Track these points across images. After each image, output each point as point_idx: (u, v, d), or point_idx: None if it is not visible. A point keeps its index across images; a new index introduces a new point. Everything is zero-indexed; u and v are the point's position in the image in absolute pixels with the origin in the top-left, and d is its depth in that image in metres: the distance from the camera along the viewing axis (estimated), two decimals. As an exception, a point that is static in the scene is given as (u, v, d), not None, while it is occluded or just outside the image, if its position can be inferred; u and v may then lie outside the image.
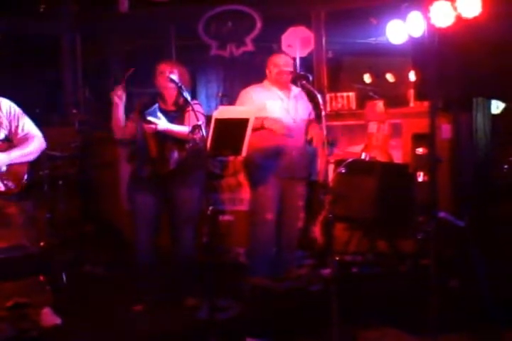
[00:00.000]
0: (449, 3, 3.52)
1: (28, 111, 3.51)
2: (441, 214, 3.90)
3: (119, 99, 3.68)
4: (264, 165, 4.19)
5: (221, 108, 3.34)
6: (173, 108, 3.85)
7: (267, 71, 4.24)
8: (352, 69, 6.87)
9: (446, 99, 4.33)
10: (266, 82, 4.27)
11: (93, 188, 5.08)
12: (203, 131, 3.37)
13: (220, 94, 5.57)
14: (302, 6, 5.25)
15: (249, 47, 5.38)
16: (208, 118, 3.44)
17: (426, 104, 4.52)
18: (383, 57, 6.78)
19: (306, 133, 4.30)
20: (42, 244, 4.44)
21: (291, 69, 4.17)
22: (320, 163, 4.78)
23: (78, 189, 5.01)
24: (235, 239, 5.01)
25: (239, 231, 4.93)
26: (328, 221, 4.36)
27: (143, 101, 3.86)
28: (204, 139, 3.34)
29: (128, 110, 3.79)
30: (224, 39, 5.42)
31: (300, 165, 4.29)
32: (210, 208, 3.35)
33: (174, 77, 3.70)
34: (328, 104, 5.17)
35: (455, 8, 3.52)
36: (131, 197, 3.90)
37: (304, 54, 5.25)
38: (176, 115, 3.80)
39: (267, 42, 5.46)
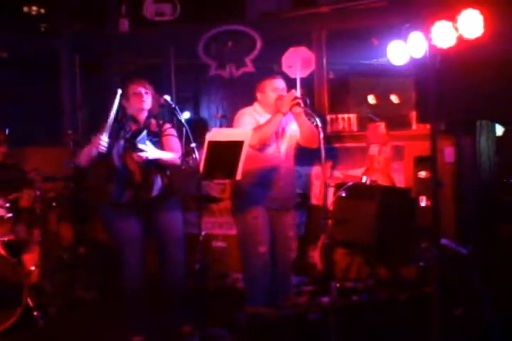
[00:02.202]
0: (450, 24, 3.43)
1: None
2: (443, 241, 3.77)
3: (101, 150, 3.46)
4: (251, 193, 4.00)
5: (214, 130, 3.23)
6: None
7: (259, 95, 4.03)
8: (355, 91, 6.78)
9: (448, 122, 4.24)
10: (257, 107, 4.06)
11: (87, 210, 4.96)
12: (197, 153, 3.28)
13: (218, 115, 5.47)
14: (303, 26, 5.18)
15: (250, 67, 5.31)
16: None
17: (429, 126, 4.42)
18: (387, 78, 6.70)
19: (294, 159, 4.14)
20: (33, 268, 4.37)
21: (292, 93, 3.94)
22: (319, 187, 4.66)
23: (72, 211, 4.89)
24: (233, 264, 4.86)
25: (237, 255, 4.76)
26: (328, 246, 4.32)
27: (113, 125, 3.59)
28: (197, 162, 3.25)
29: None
30: (224, 59, 5.36)
31: (287, 195, 4.11)
32: (203, 233, 3.24)
33: (168, 97, 3.59)
34: (328, 126, 5.08)
35: (456, 29, 3.43)
36: (110, 224, 3.74)
37: (305, 75, 5.16)
38: (154, 140, 3.65)
39: (267, 63, 5.36)
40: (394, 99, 7.71)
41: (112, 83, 5.93)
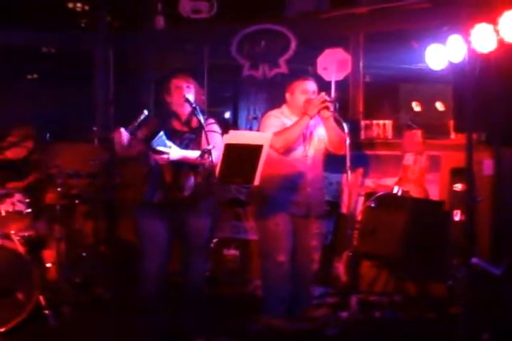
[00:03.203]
0: (491, 27, 3.20)
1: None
2: (474, 261, 3.52)
3: (124, 143, 3.41)
4: (274, 198, 3.84)
5: (232, 132, 3.07)
6: (186, 129, 3.60)
7: (288, 96, 3.89)
8: (396, 96, 6.52)
9: (488, 132, 3.99)
10: (285, 109, 3.92)
11: (111, 209, 4.89)
12: (213, 156, 3.14)
13: (250, 117, 5.32)
14: (340, 26, 4.98)
15: (283, 68, 5.13)
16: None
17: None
18: (432, 84, 6.43)
19: (323, 165, 3.96)
20: (49, 265, 4.31)
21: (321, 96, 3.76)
22: (346, 195, 4.47)
23: (98, 208, 4.83)
24: (255, 270, 4.72)
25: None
26: (353, 258, 4.14)
27: (152, 121, 3.62)
28: (213, 165, 3.11)
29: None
30: (257, 59, 5.20)
31: (315, 202, 3.93)
32: (215, 241, 3.10)
33: (190, 96, 3.47)
34: (362, 132, 4.88)
35: (497, 32, 3.19)
36: (139, 224, 3.67)
37: (340, 77, 4.96)
38: (191, 137, 3.56)
39: (301, 64, 5.18)
40: (439, 106, 7.44)
41: (145, 80, 5.87)
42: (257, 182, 3.17)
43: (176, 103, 3.59)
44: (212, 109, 7.35)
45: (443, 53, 3.86)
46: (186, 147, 3.51)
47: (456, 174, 4.35)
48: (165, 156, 3.37)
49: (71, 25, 6.40)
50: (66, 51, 6.36)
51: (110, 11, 6.07)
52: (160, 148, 3.36)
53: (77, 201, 4.63)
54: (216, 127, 3.61)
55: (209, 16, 5.45)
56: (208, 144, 3.17)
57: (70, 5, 7.20)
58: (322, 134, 3.89)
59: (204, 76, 5.42)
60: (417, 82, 6.38)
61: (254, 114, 5.61)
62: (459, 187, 4.24)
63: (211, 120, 3.64)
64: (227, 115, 8.47)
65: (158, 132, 3.37)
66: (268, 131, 3.76)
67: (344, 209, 4.76)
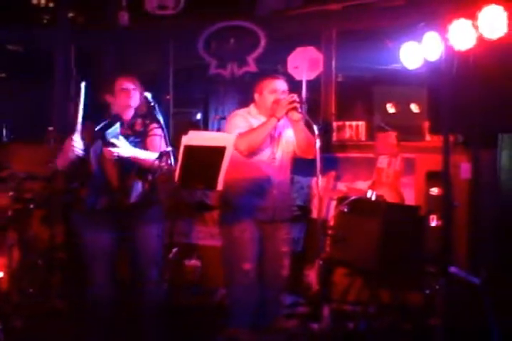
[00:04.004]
0: (469, 23, 3.03)
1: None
2: (452, 270, 3.36)
3: (76, 152, 3.15)
4: (239, 203, 3.63)
5: (191, 133, 2.84)
6: (130, 132, 3.34)
7: (256, 96, 3.67)
8: (369, 97, 6.38)
9: (465, 134, 3.83)
10: (253, 109, 3.70)
11: (66, 213, 4.62)
12: (172, 159, 2.90)
13: (217, 117, 5.10)
14: (311, 24, 4.80)
15: (252, 67, 4.93)
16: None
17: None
18: (407, 85, 6.30)
19: (291, 168, 3.77)
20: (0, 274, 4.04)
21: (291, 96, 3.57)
22: (317, 199, 4.29)
23: (53, 213, 4.55)
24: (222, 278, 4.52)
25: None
26: (325, 265, 3.95)
27: (92, 125, 3.28)
28: (172, 169, 2.87)
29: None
30: (225, 57, 5.00)
31: (282, 206, 3.72)
32: (174, 250, 2.86)
33: (149, 95, 3.23)
34: (334, 134, 4.72)
35: (476, 28, 3.03)
36: (81, 233, 3.39)
37: (312, 77, 4.78)
38: (136, 141, 3.30)
39: (271, 63, 4.99)
40: (414, 108, 7.34)
41: (108, 78, 5.61)
42: (219, 187, 2.96)
43: (120, 106, 3.35)
44: (182, 110, 7.18)
45: (418, 51, 3.70)
46: None
47: (432, 177, 4.18)
48: (115, 150, 3.11)
49: (34, 21, 6.18)
50: (28, 48, 6.11)
51: (74, 7, 5.86)
52: (114, 141, 3.10)
53: (31, 205, 4.36)
54: (160, 131, 3.32)
55: (175, 12, 5.25)
56: (166, 145, 2.93)
57: (34, 1, 7.01)
58: (291, 136, 3.70)
59: (169, 74, 5.21)
60: (391, 82, 6.26)
61: (223, 114, 5.38)
62: (435, 191, 4.08)
63: (154, 124, 3.37)
64: (199, 116, 8.25)
65: (101, 136, 3.11)
66: (233, 131, 3.55)
67: (315, 215, 4.57)
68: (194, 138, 2.84)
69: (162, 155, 2.92)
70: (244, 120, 3.63)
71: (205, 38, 4.99)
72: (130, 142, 3.29)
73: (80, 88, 3.13)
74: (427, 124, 4.42)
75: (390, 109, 7.35)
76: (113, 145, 3.10)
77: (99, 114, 3.43)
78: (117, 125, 3.17)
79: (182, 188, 2.93)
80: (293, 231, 3.96)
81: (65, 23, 5.62)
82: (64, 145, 3.20)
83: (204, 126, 7.39)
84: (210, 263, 4.75)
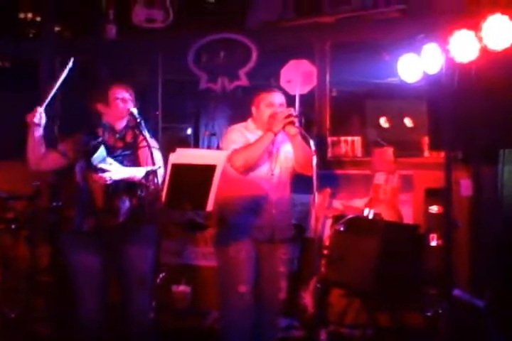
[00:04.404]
0: (472, 33, 2.89)
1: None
2: (456, 292, 3.20)
3: (37, 122, 3.09)
4: (235, 221, 3.48)
5: (179, 151, 2.67)
6: (120, 144, 3.20)
7: (254, 109, 3.55)
8: (364, 112, 6.25)
9: (466, 150, 3.70)
10: (250, 123, 3.57)
11: (54, 234, 4.42)
12: (159, 177, 2.74)
13: (206, 133, 4.94)
14: (304, 36, 4.67)
15: (244, 81, 4.78)
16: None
17: (443, 154, 3.84)
18: (401, 99, 6.19)
19: (291, 185, 3.62)
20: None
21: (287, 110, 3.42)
22: (313, 218, 4.13)
23: (36, 234, 4.35)
24: (213, 301, 4.31)
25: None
26: (321, 287, 3.81)
27: (79, 135, 3.21)
28: (159, 188, 2.71)
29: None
30: (215, 71, 4.84)
31: (281, 225, 3.56)
32: (161, 275, 2.68)
33: (135, 111, 3.07)
34: (329, 149, 4.58)
35: (480, 39, 2.89)
36: (68, 256, 3.23)
37: (305, 91, 4.64)
38: (126, 153, 3.15)
39: (263, 77, 4.85)
40: (408, 122, 7.23)
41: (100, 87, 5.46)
42: (209, 207, 2.80)
43: (113, 115, 3.21)
44: (172, 125, 7.01)
45: (417, 64, 3.57)
46: (121, 164, 3.10)
47: (432, 195, 4.07)
48: (106, 176, 2.95)
49: (20, 35, 6.03)
50: (15, 63, 5.96)
51: (60, 21, 5.70)
52: (101, 165, 2.93)
53: (13, 226, 4.16)
54: (153, 142, 3.19)
55: (164, 26, 5.08)
56: (153, 163, 2.76)
57: (21, 15, 6.89)
58: (290, 151, 3.56)
59: (158, 89, 5.04)
60: (384, 96, 6.14)
61: (213, 129, 5.22)
62: (434, 209, 3.97)
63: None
64: (189, 131, 8.09)
65: (88, 146, 2.97)
66: (229, 147, 3.42)
67: (311, 234, 4.41)
68: (182, 156, 2.68)
69: (148, 173, 2.75)
70: (241, 135, 3.50)
71: (195, 51, 4.84)
72: (119, 155, 3.14)
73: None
74: (425, 140, 4.29)
75: (384, 123, 7.27)
76: (102, 170, 2.94)
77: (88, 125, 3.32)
78: (102, 148, 3.00)
79: (169, 209, 2.74)
80: (290, 251, 3.75)
81: (51, 36, 5.47)
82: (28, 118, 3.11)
83: (194, 142, 7.23)
84: (202, 284, 4.59)
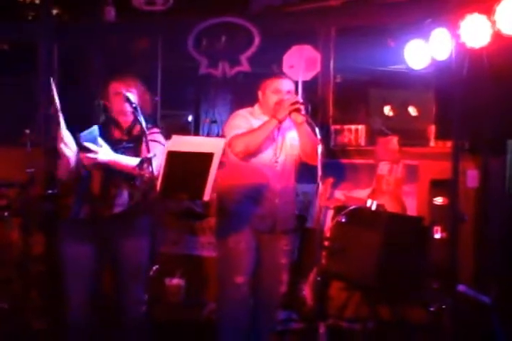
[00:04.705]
0: (484, 17, 2.75)
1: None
2: (461, 288, 3.09)
3: (65, 145, 2.88)
4: (236, 210, 3.37)
5: (175, 138, 2.55)
6: (126, 137, 3.10)
7: (260, 95, 3.43)
8: (368, 100, 6.11)
9: (474, 139, 3.57)
10: (257, 109, 3.46)
11: (48, 222, 4.31)
12: (153, 166, 2.62)
13: (207, 120, 4.81)
14: (308, 21, 4.51)
15: (245, 66, 4.64)
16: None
17: (449, 144, 3.78)
18: (406, 87, 6.05)
19: (296, 174, 3.50)
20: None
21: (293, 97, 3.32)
22: (317, 208, 4.02)
23: (29, 222, 4.24)
24: (211, 292, 4.25)
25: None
26: (321, 279, 3.72)
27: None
28: (153, 177, 2.59)
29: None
30: (216, 56, 4.70)
31: (283, 215, 3.45)
32: (154, 268, 2.57)
33: (132, 96, 2.95)
34: (332, 138, 4.45)
35: (493, 23, 2.75)
36: (62, 243, 3.13)
37: (308, 77, 4.51)
38: (129, 146, 3.05)
39: (265, 62, 4.71)
40: (412, 111, 7.11)
41: (93, 77, 5.32)
42: (206, 197, 2.69)
43: (116, 110, 3.12)
44: (172, 112, 6.88)
45: (425, 50, 3.43)
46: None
47: (437, 186, 3.96)
48: (92, 155, 2.83)
49: (19, 18, 5.90)
50: (12, 45, 5.82)
51: (59, 3, 5.53)
52: (88, 145, 2.81)
53: (6, 213, 4.06)
54: (160, 137, 3.10)
55: (164, 9, 4.93)
56: (148, 152, 2.65)
57: (20, -3, 6.78)
58: (296, 139, 3.44)
59: (158, 74, 4.90)
60: (389, 84, 6.01)
61: (213, 117, 5.09)
62: (439, 200, 3.86)
63: (155, 129, 3.14)
64: (190, 118, 7.97)
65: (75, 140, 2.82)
66: (232, 132, 3.31)
67: (312, 224, 4.30)
68: (178, 143, 2.56)
69: (143, 161, 2.63)
70: (245, 121, 3.39)
71: (196, 35, 4.70)
72: (122, 147, 3.04)
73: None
74: (432, 128, 4.16)
75: (388, 112, 7.13)
76: (87, 149, 2.82)
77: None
78: (94, 127, 2.88)
79: (164, 198, 2.63)
80: (292, 242, 3.66)
81: (49, 18, 5.30)
82: (57, 148, 2.90)
83: (195, 129, 7.10)
84: (200, 275, 4.51)
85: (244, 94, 3.63)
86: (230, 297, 3.41)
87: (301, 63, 4.49)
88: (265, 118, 3.37)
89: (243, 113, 3.46)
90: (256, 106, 3.48)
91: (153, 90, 4.92)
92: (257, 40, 4.58)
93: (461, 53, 2.97)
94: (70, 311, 3.14)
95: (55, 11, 5.75)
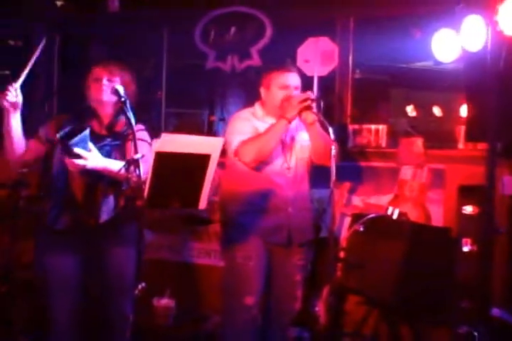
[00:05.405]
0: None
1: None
2: (495, 312, 2.73)
3: (13, 105, 2.66)
4: (244, 222, 3.06)
5: (165, 136, 2.21)
6: (104, 132, 2.79)
7: (263, 91, 3.10)
8: (389, 98, 5.79)
9: (509, 142, 3.22)
10: (258, 109, 3.13)
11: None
12: (141, 169, 2.29)
13: (213, 118, 4.51)
14: (326, 10, 4.17)
15: (256, 60, 4.31)
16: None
17: (480, 146, 3.56)
18: (430, 86, 5.73)
19: (309, 178, 3.16)
20: None
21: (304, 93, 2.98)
22: (332, 216, 3.70)
23: (18, 227, 3.95)
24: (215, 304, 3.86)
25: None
26: (336, 295, 3.41)
27: (62, 118, 2.85)
28: (141, 182, 2.27)
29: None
30: (224, 48, 4.38)
31: (299, 226, 3.15)
32: (140, 286, 2.25)
33: (121, 88, 2.63)
34: (349, 139, 4.13)
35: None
36: (40, 254, 2.88)
37: (325, 72, 4.19)
38: (113, 144, 2.77)
39: (278, 56, 4.38)
40: (437, 111, 6.78)
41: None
42: (202, 205, 2.36)
43: (93, 99, 2.83)
44: (189, 111, 6.59)
45: (455, 40, 3.06)
46: (108, 155, 2.71)
47: (466, 193, 3.62)
48: (80, 162, 2.54)
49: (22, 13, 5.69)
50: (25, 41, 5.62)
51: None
52: (78, 150, 2.52)
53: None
54: (146, 135, 2.83)
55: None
56: (136, 153, 2.32)
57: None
58: (306, 140, 3.13)
59: (163, 67, 4.59)
60: (415, 83, 5.69)
61: (222, 114, 4.78)
62: (469, 209, 3.53)
63: (140, 126, 2.84)
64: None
65: (69, 129, 2.55)
66: (235, 138, 2.98)
67: (327, 234, 3.96)
68: (168, 142, 2.22)
69: (130, 163, 2.30)
70: (248, 124, 3.06)
71: (203, 26, 4.38)
72: (106, 145, 2.77)
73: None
74: (461, 129, 3.83)
75: (411, 112, 6.81)
76: (77, 156, 2.53)
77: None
78: (86, 131, 2.58)
79: (151, 207, 2.29)
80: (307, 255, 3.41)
81: (50, 11, 5.06)
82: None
83: (208, 128, 6.81)
84: (206, 285, 4.23)
85: (256, 91, 3.28)
86: (238, 319, 3.12)
87: (317, 57, 4.18)
88: (270, 119, 3.05)
89: (244, 115, 3.13)
90: (257, 106, 3.15)
91: (158, 85, 4.69)
92: (268, 32, 4.26)
93: (498, 43, 2.63)
94: (54, 330, 2.88)
95: (59, 3, 5.60)
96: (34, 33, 4.95)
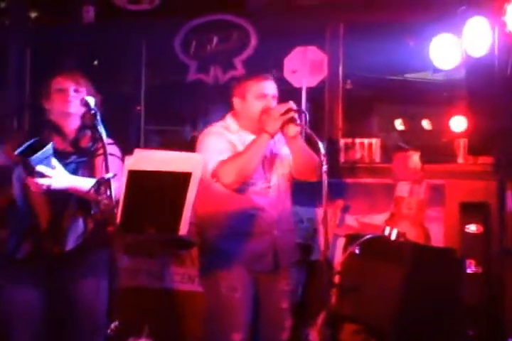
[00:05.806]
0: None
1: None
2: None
3: None
4: (225, 249, 2.80)
5: (138, 153, 1.95)
6: (71, 149, 2.54)
7: (237, 102, 2.82)
8: (378, 112, 5.68)
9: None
10: (231, 121, 2.85)
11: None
12: (112, 189, 2.03)
13: (194, 134, 4.33)
14: (314, 17, 4.07)
15: (240, 71, 4.17)
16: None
17: (481, 160, 3.49)
18: (419, 98, 5.61)
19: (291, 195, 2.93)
20: None
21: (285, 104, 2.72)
22: (322, 237, 3.53)
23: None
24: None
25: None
26: (330, 323, 3.18)
27: (21, 135, 2.61)
28: (112, 204, 2.00)
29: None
30: (206, 59, 4.24)
31: (285, 248, 2.90)
32: (113, 325, 1.97)
33: (91, 99, 2.37)
34: (341, 154, 4.03)
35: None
36: (0, 290, 2.58)
37: (314, 83, 4.07)
38: (79, 161, 2.52)
39: (263, 67, 4.25)
40: (426, 124, 6.69)
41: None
42: (183, 231, 2.09)
43: (57, 112, 2.57)
44: (170, 128, 6.39)
45: (456, 45, 2.86)
46: (74, 174, 2.46)
47: (468, 210, 3.53)
48: (44, 181, 2.29)
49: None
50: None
51: (38, 7, 5.12)
52: (40, 168, 2.26)
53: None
54: (116, 150, 2.58)
55: (150, 8, 4.49)
56: (107, 171, 2.05)
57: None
58: (287, 153, 2.87)
59: (141, 79, 4.43)
60: (400, 96, 5.57)
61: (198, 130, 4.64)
62: (472, 228, 3.41)
63: (109, 140, 2.57)
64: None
65: (24, 163, 2.27)
66: (213, 159, 2.70)
67: (319, 256, 3.81)
68: (143, 159, 1.95)
69: (100, 184, 2.03)
70: (222, 140, 2.78)
71: (184, 36, 4.25)
72: (71, 163, 2.51)
73: None
74: (460, 142, 3.75)
75: (399, 125, 6.73)
76: (40, 174, 2.27)
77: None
78: (49, 146, 2.31)
79: (124, 232, 2.03)
80: (293, 279, 3.15)
81: (21, 19, 4.94)
82: None
83: (191, 145, 6.62)
84: (188, 313, 3.97)
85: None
86: None
87: (305, 67, 4.07)
88: (244, 133, 2.80)
89: (216, 129, 2.85)
90: (229, 119, 2.87)
91: (137, 99, 4.49)
92: (253, 41, 4.14)
93: (506, 47, 2.45)
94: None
95: (33, 14, 5.44)
96: (7, 44, 4.79)
